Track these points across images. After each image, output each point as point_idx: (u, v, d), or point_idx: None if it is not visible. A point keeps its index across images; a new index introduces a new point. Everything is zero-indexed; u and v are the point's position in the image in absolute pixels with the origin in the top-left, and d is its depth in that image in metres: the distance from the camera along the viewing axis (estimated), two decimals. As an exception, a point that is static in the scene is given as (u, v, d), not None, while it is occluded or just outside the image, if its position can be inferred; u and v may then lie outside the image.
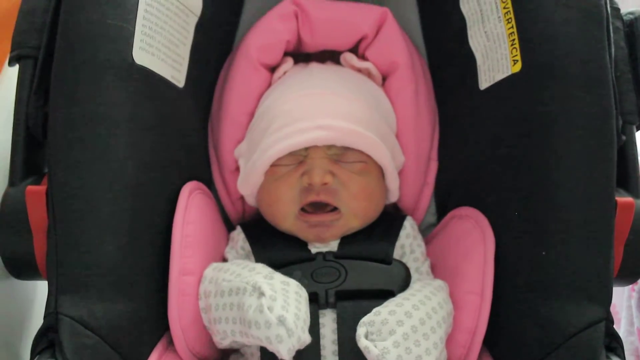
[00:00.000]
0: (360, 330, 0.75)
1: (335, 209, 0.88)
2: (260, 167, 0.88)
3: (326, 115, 0.87)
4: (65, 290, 0.73)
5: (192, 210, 0.87)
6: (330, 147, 0.87)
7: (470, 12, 0.91)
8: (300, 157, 0.88)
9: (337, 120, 0.86)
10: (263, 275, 0.77)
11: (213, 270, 0.83)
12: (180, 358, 0.83)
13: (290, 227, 0.89)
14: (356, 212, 0.89)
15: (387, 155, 0.90)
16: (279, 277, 0.77)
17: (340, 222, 0.88)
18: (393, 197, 0.97)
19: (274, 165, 0.88)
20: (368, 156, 0.89)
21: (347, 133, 0.86)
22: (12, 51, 0.82)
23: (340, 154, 0.88)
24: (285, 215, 0.89)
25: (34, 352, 0.73)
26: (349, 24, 0.97)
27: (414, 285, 0.84)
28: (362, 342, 0.74)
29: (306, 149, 0.87)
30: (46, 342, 0.73)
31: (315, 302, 0.81)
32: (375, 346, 0.73)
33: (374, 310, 0.76)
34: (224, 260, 0.91)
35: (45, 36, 0.79)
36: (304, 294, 0.77)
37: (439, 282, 0.85)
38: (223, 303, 0.78)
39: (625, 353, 0.77)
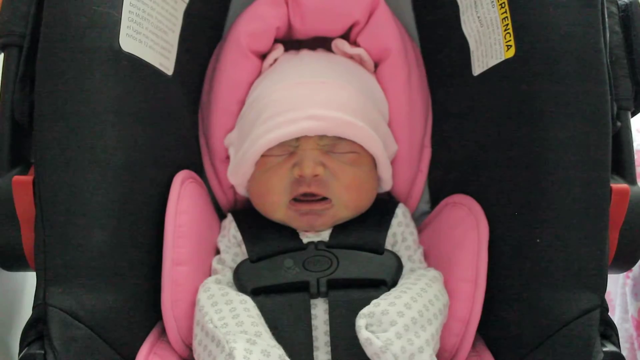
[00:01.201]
0: (360, 322, 0.72)
1: (325, 198, 0.87)
2: (250, 157, 0.88)
3: (317, 104, 0.86)
4: (53, 282, 0.73)
5: (184, 199, 0.86)
6: (321, 137, 0.86)
7: (464, -3, 0.91)
8: (290, 148, 0.87)
9: (328, 110, 0.85)
10: (246, 339, 0.71)
11: (208, 298, 0.79)
12: (173, 349, 0.83)
13: (282, 217, 0.88)
14: (347, 203, 0.88)
15: (379, 145, 0.89)
16: (261, 345, 0.71)
17: (331, 211, 0.87)
18: (386, 186, 0.96)
19: (264, 155, 0.87)
20: (360, 146, 0.88)
21: (339, 123, 0.85)
22: (-4, 39, 0.80)
23: (331, 145, 0.87)
24: (276, 206, 0.88)
25: (23, 343, 0.73)
26: (340, 10, 0.95)
27: (410, 276, 0.83)
28: (363, 334, 0.71)
29: (297, 139, 0.86)
30: (35, 333, 0.72)
31: (307, 292, 0.81)
32: (378, 337, 0.71)
33: (373, 302, 0.74)
34: (217, 251, 0.91)
35: (30, 24, 0.78)
36: None
37: (433, 273, 0.84)
38: (204, 344, 0.76)
39: (620, 340, 0.77)
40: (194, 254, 0.85)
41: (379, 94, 0.96)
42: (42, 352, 0.70)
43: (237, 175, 0.92)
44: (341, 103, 0.87)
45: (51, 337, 0.71)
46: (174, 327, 0.82)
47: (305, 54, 0.96)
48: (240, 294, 0.81)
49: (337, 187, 0.87)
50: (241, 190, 0.95)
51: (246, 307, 0.78)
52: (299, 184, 0.86)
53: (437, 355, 0.82)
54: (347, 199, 0.88)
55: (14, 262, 0.79)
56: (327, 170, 0.86)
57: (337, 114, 0.85)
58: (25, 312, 0.85)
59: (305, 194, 0.86)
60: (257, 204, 0.91)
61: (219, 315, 0.76)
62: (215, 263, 0.89)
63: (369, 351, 0.71)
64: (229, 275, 0.86)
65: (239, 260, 0.87)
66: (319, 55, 0.97)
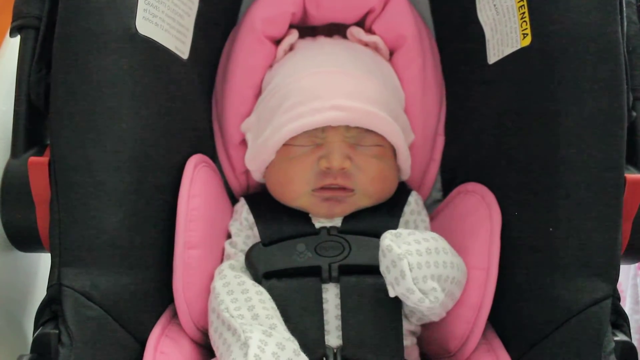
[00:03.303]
0: (386, 234, 0.75)
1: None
2: (272, 145, 0.88)
3: (341, 95, 0.86)
4: (68, 262, 0.74)
5: (197, 183, 0.86)
6: (348, 129, 0.86)
7: (480, -16, 0.90)
8: (316, 139, 0.87)
9: (352, 101, 0.85)
10: (262, 331, 0.72)
11: (224, 286, 0.80)
12: (184, 331, 0.83)
13: (302, 204, 0.89)
14: (370, 194, 0.88)
15: (400, 136, 0.89)
16: (277, 337, 0.72)
17: (352, 199, 0.88)
18: (404, 176, 0.96)
19: (286, 144, 0.87)
20: (383, 138, 0.88)
21: (363, 114, 0.85)
22: (13, 21, 0.81)
23: (358, 137, 0.87)
24: (297, 195, 0.88)
25: (38, 323, 0.74)
26: (355, -3, 0.95)
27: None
28: (386, 242, 0.74)
29: (323, 130, 0.86)
30: (49, 313, 0.73)
31: (319, 276, 0.81)
32: (399, 247, 0.73)
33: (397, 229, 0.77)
34: (229, 235, 0.91)
35: (47, 6, 0.78)
36: None
37: None
38: (220, 331, 0.76)
39: (630, 331, 0.77)
40: (206, 238, 0.85)
41: (395, 82, 0.96)
42: (57, 331, 0.71)
43: (256, 162, 0.92)
44: (365, 94, 0.87)
45: (65, 317, 0.72)
46: (185, 310, 0.82)
47: (325, 41, 0.96)
48: (256, 284, 0.81)
49: (362, 179, 0.87)
50: (257, 177, 0.95)
51: (262, 299, 0.78)
52: (325, 176, 0.86)
53: (448, 343, 0.83)
54: (372, 191, 0.88)
55: (29, 243, 0.80)
56: (353, 163, 0.86)
57: (360, 104, 0.85)
58: (40, 292, 0.86)
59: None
60: (276, 191, 0.91)
61: (235, 305, 0.77)
62: (228, 247, 0.89)
63: (387, 259, 0.73)
64: (242, 260, 0.86)
65: (250, 243, 0.87)
66: (338, 42, 0.96)
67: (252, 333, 0.71)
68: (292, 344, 0.73)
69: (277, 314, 0.77)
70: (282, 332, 0.74)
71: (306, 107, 0.85)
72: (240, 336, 0.72)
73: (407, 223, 0.90)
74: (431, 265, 0.74)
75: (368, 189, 0.87)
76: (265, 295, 0.79)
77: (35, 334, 0.72)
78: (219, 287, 0.80)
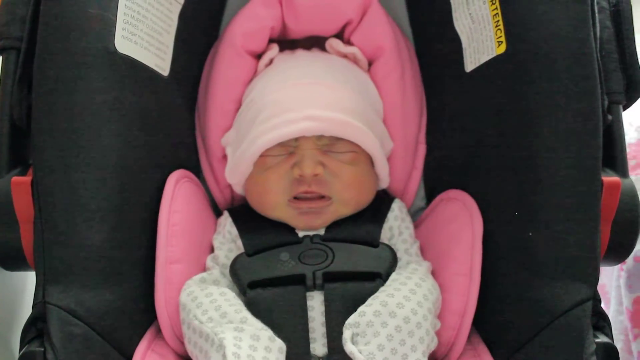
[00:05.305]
0: (346, 333, 0.73)
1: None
2: (249, 157, 0.89)
3: (314, 105, 0.87)
4: (52, 280, 0.74)
5: (178, 199, 0.87)
6: (320, 137, 0.87)
7: (455, -6, 0.91)
8: (290, 148, 0.88)
9: (325, 111, 0.86)
10: (233, 328, 0.73)
11: (188, 295, 0.80)
12: (169, 346, 0.83)
13: (280, 215, 0.89)
14: (347, 201, 0.89)
15: (376, 144, 0.90)
16: (249, 330, 0.73)
17: (331, 208, 0.88)
18: (384, 184, 0.97)
19: (263, 155, 0.88)
20: (358, 145, 0.89)
21: (336, 123, 0.86)
22: (-5, 43, 0.81)
23: (330, 144, 0.88)
24: (275, 205, 0.89)
25: (23, 341, 0.74)
26: (333, 9, 0.96)
27: (402, 272, 0.83)
28: (348, 347, 0.72)
29: (296, 139, 0.87)
30: (35, 331, 0.74)
31: (303, 284, 0.81)
32: (361, 352, 0.71)
33: (359, 310, 0.75)
34: (212, 249, 0.91)
35: (28, 27, 0.79)
36: (275, 347, 0.73)
37: (426, 266, 0.85)
38: (194, 341, 0.77)
39: (615, 332, 0.78)
40: (188, 252, 0.86)
41: (373, 92, 0.97)
42: (42, 349, 0.71)
43: (235, 175, 0.93)
44: (338, 104, 0.88)
45: (50, 335, 0.72)
46: (168, 325, 0.83)
47: (301, 54, 0.97)
48: (220, 287, 0.82)
49: (337, 185, 0.88)
50: (238, 190, 0.96)
51: (226, 298, 0.79)
52: (299, 184, 0.87)
53: (434, 350, 0.83)
54: (348, 197, 0.89)
55: (14, 262, 0.80)
56: (326, 170, 0.87)
57: (334, 114, 0.86)
58: (26, 310, 0.85)
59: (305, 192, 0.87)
60: (255, 202, 0.92)
61: (201, 310, 0.77)
62: (209, 261, 0.89)
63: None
64: (215, 273, 0.86)
65: (232, 256, 0.88)
66: (315, 55, 0.97)
67: (224, 333, 0.72)
68: (266, 332, 0.73)
69: (244, 307, 0.78)
70: (253, 323, 0.75)
71: (280, 118, 0.86)
72: (213, 340, 0.72)
73: (391, 229, 0.91)
74: (405, 342, 0.72)
75: (344, 195, 0.88)
76: (230, 294, 0.80)
77: (21, 352, 0.72)
78: (184, 297, 0.81)
